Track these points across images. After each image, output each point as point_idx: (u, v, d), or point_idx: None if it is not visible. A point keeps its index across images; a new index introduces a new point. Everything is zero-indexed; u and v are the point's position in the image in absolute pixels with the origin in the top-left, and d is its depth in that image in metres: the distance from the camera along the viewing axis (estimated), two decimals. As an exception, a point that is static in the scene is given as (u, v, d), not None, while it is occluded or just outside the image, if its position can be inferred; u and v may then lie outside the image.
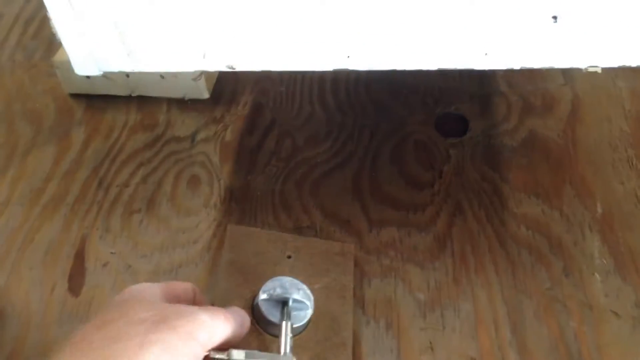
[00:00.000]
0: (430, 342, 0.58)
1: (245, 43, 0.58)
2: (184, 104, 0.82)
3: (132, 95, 0.83)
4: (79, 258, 0.66)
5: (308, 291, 0.47)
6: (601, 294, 0.60)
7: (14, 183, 0.74)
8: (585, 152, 0.74)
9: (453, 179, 0.72)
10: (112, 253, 0.66)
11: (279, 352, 0.43)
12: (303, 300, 0.46)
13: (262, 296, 0.45)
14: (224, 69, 0.61)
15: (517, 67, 0.58)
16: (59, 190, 0.73)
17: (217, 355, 0.39)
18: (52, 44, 0.92)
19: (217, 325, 0.39)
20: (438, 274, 0.63)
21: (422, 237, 0.66)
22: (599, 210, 0.68)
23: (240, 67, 0.60)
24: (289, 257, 0.51)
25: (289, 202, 0.70)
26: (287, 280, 0.47)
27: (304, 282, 0.48)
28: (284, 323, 0.44)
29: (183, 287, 0.45)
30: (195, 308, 0.39)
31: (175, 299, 0.42)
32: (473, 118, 0.79)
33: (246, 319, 0.43)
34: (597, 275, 0.62)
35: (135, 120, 0.81)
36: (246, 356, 0.40)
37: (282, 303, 0.46)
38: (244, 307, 0.45)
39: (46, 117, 0.82)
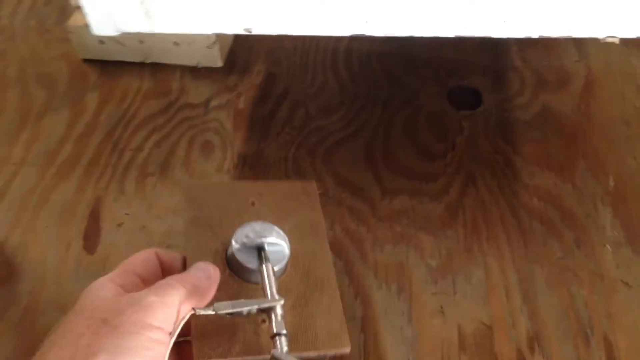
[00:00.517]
0: (441, 307, 0.59)
1: (264, 5, 0.58)
2: (197, 72, 0.82)
3: (146, 62, 0.83)
4: (94, 218, 0.66)
5: (281, 232, 0.45)
6: (612, 265, 0.61)
7: (28, 145, 0.74)
8: (599, 127, 0.74)
9: (465, 151, 0.72)
10: (126, 214, 0.66)
11: (265, 297, 0.41)
12: (278, 241, 0.45)
13: (236, 245, 0.44)
14: (241, 32, 0.61)
15: (535, 35, 0.58)
16: (74, 153, 0.73)
17: (202, 312, 0.38)
18: (65, 10, 0.92)
19: (170, 297, 0.37)
20: (450, 241, 0.63)
21: (434, 206, 0.67)
22: (612, 184, 0.68)
23: (257, 30, 0.60)
24: (253, 203, 0.48)
25: (302, 169, 0.70)
26: (257, 224, 0.45)
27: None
28: (263, 266, 0.43)
29: (142, 257, 0.42)
30: (140, 293, 0.37)
31: (139, 278, 0.40)
32: (486, 91, 0.79)
33: (212, 271, 0.41)
34: (608, 246, 0.62)
35: (148, 86, 0.81)
36: (233, 306, 0.39)
37: (258, 249, 0.44)
38: (217, 262, 0.43)
39: (60, 81, 0.82)
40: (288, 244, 0.45)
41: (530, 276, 0.61)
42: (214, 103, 0.79)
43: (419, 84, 0.80)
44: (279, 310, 0.40)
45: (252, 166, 0.70)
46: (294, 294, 0.44)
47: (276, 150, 0.72)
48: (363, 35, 0.60)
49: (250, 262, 0.43)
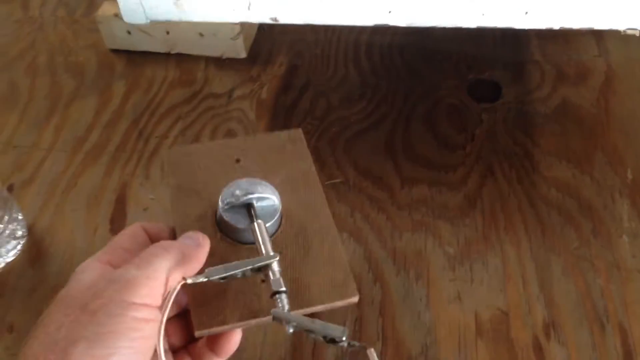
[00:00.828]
0: (459, 293, 0.60)
1: (290, -5, 0.60)
2: (221, 63, 0.84)
3: (171, 52, 0.85)
4: (120, 203, 0.68)
5: (269, 185, 0.42)
6: (628, 255, 0.62)
7: (57, 131, 0.76)
8: (618, 121, 0.74)
9: (485, 142, 0.73)
10: (151, 199, 0.68)
11: (259, 256, 0.39)
12: (267, 195, 0.41)
13: (223, 206, 0.40)
14: (267, 20, 0.62)
15: (556, 27, 0.59)
16: (101, 139, 0.75)
17: (192, 280, 0.35)
18: (93, 1, 0.94)
19: (153, 268, 0.34)
20: (468, 229, 0.64)
21: (453, 195, 0.68)
22: (630, 176, 0.68)
23: (283, 19, 0.62)
24: (238, 160, 0.45)
25: (323, 158, 0.72)
26: (243, 181, 0.42)
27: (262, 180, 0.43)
28: (255, 224, 0.40)
29: (129, 232, 0.39)
30: (121, 269, 0.34)
31: (127, 252, 0.38)
32: (506, 85, 0.79)
33: (201, 238, 0.38)
34: (625, 237, 0.63)
35: (174, 76, 0.83)
36: (225, 270, 0.36)
37: (246, 206, 0.41)
38: (208, 227, 0.41)
39: (88, 70, 0.84)
40: (278, 197, 0.42)
41: (547, 265, 0.61)
42: (237, 93, 0.80)
43: (439, 77, 0.81)
44: (275, 267, 0.37)
45: (274, 154, 0.72)
46: (291, 248, 0.41)
47: (298, 139, 0.74)
48: (386, 25, 0.61)
49: (239, 221, 0.40)
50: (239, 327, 0.38)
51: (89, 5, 0.94)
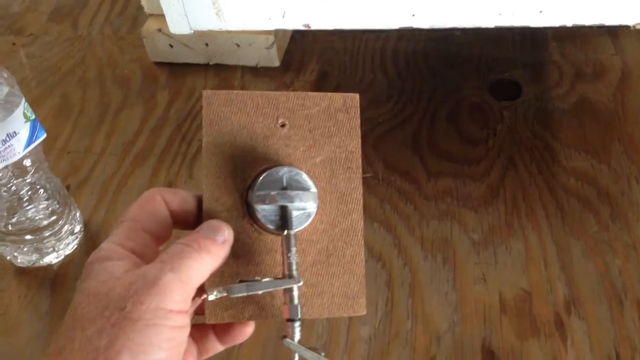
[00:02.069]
0: (484, 274, 0.64)
1: (320, 3, 0.65)
2: (256, 71, 0.90)
3: (210, 63, 0.91)
4: (167, 199, 0.74)
5: (312, 187, 0.39)
6: (646, 237, 0.65)
7: (107, 137, 0.83)
8: (633, 114, 0.78)
9: (506, 137, 0.77)
10: (196, 195, 0.74)
11: (283, 267, 0.37)
12: (305, 204, 0.38)
13: (257, 199, 0.38)
14: (300, 27, 0.68)
15: (569, 24, 0.63)
16: (147, 144, 0.81)
17: (214, 297, 0.35)
18: (137, 19, 1.02)
19: (186, 271, 0.32)
20: (491, 217, 0.69)
21: (477, 186, 0.72)
22: (646, 165, 0.72)
23: (315, 25, 0.68)
24: (283, 125, 0.40)
25: (354, 155, 0.77)
26: (285, 172, 0.38)
27: (303, 157, 0.40)
28: (284, 235, 0.37)
29: (149, 208, 0.36)
30: (155, 270, 0.32)
31: (149, 235, 0.36)
32: (526, 84, 0.84)
33: (227, 233, 0.36)
34: (642, 221, 0.66)
35: (213, 84, 0.89)
36: (247, 289, 0.35)
37: (281, 207, 0.38)
38: (237, 205, 0.38)
39: (134, 82, 0.91)
40: (316, 203, 0.39)
41: (567, 248, 0.65)
42: (271, 98, 0.86)
43: (461, 78, 0.86)
44: (295, 293, 0.36)
45: (308, 152, 0.77)
46: (316, 247, 0.40)
47: (329, 138, 0.79)
48: (410, 27, 0.66)
49: (269, 220, 0.38)
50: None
51: (133, 23, 1.01)
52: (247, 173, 0.39)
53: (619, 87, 0.82)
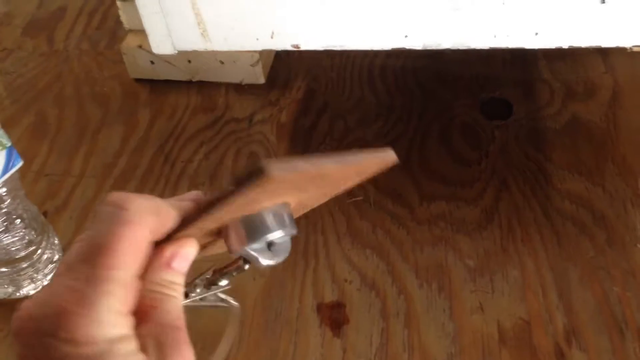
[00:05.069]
0: (481, 303, 0.62)
1: (310, 23, 0.63)
2: (241, 89, 0.87)
3: (193, 80, 0.89)
4: (150, 224, 0.71)
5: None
6: (643, 263, 0.64)
7: (86, 158, 0.79)
8: (626, 134, 0.77)
9: (498, 158, 0.75)
10: (180, 220, 0.71)
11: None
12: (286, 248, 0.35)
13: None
14: (289, 47, 0.66)
15: (565, 46, 0.62)
16: (129, 165, 0.78)
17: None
18: (115, 34, 0.98)
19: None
20: (486, 242, 0.67)
21: (470, 210, 0.70)
22: (641, 187, 0.71)
23: (305, 45, 0.65)
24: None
25: (343, 177, 0.74)
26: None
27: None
28: (241, 264, 0.35)
29: (134, 248, 0.29)
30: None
31: (139, 279, 0.30)
32: (517, 102, 0.82)
33: (191, 256, 0.32)
34: (639, 245, 0.65)
35: (196, 102, 0.86)
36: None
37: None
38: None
39: (113, 99, 0.87)
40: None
41: (564, 274, 0.64)
42: (257, 117, 0.83)
43: (452, 96, 0.84)
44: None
45: (296, 175, 0.75)
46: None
47: (318, 160, 0.77)
48: (403, 48, 0.64)
49: (249, 253, 0.34)
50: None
51: (111, 38, 0.98)
52: None
53: (610, 106, 0.81)
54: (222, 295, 0.37)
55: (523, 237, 0.67)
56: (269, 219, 0.34)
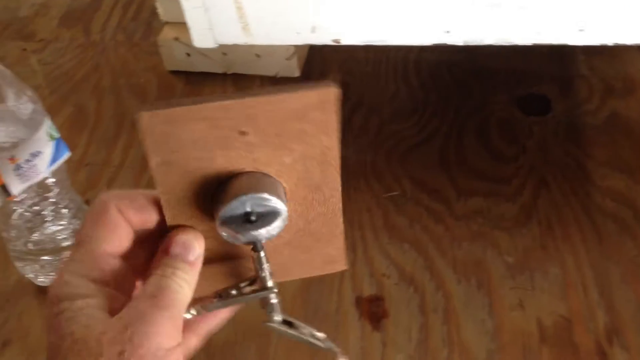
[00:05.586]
0: (520, 300, 0.62)
1: (352, 18, 0.63)
2: (276, 81, 0.88)
3: (228, 72, 0.89)
4: (189, 216, 0.71)
5: (278, 205, 0.34)
6: (686, 263, 0.63)
7: (125, 149, 0.80)
8: (667, 131, 0.76)
9: (537, 154, 0.75)
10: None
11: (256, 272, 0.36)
12: (273, 226, 0.35)
13: (223, 233, 0.35)
14: (330, 42, 0.66)
15: (610, 43, 0.61)
16: (166, 157, 0.79)
17: (189, 316, 0.35)
18: (150, 25, 0.99)
19: (175, 306, 0.32)
20: (525, 239, 0.67)
21: (509, 207, 0.70)
22: (683, 185, 0.70)
23: (345, 40, 0.65)
24: (243, 133, 0.34)
25: (380, 171, 0.75)
26: (247, 199, 0.34)
27: (269, 160, 0.35)
28: (255, 256, 0.36)
29: (108, 226, 0.33)
30: (143, 310, 0.31)
31: (114, 258, 0.33)
32: (555, 99, 0.82)
33: (198, 247, 0.35)
34: (681, 245, 0.65)
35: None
36: (224, 305, 0.37)
37: (245, 218, 0.34)
38: (200, 216, 0.36)
39: (150, 91, 0.88)
40: (285, 220, 0.35)
41: (605, 272, 0.63)
42: (293, 110, 0.83)
43: (488, 92, 0.84)
44: (273, 300, 0.37)
45: (333, 168, 0.75)
46: (290, 232, 0.37)
47: (354, 153, 0.77)
48: (444, 44, 0.64)
49: (239, 241, 0.35)
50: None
51: (146, 29, 0.98)
52: (209, 184, 0.35)
53: (650, 103, 0.80)
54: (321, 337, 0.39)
55: (563, 235, 0.67)
56: (235, 186, 0.34)
